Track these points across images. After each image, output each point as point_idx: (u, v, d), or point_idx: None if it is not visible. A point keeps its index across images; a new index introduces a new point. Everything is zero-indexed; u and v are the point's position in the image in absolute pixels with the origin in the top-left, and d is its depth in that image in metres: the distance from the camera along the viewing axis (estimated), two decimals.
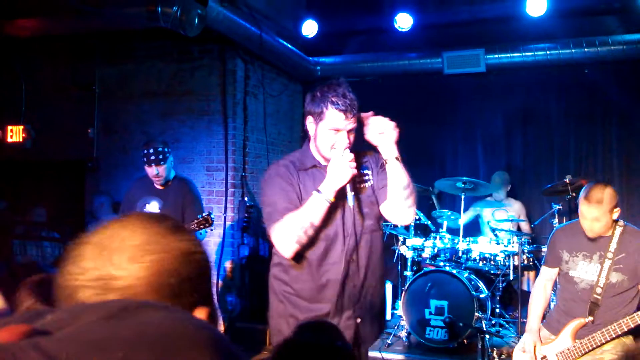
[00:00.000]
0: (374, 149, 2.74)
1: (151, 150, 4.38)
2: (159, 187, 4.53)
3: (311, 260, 2.64)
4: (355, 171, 2.54)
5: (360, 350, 2.77)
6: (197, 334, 0.67)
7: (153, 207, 4.50)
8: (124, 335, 0.63)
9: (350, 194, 2.55)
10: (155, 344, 0.62)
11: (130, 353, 0.60)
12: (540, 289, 3.62)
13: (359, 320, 2.71)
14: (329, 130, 2.60)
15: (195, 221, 4.20)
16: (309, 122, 2.68)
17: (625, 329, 3.17)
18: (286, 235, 2.54)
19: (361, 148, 2.80)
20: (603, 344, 3.24)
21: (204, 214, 4.24)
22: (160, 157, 4.39)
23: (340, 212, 2.62)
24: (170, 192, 4.53)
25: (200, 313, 0.89)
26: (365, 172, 2.77)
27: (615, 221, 3.31)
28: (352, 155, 2.55)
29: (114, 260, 0.86)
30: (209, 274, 0.97)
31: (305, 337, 1.83)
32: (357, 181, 2.68)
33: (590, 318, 3.30)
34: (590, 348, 3.27)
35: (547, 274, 3.60)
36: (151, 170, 4.42)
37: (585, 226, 3.26)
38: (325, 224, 2.60)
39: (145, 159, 4.40)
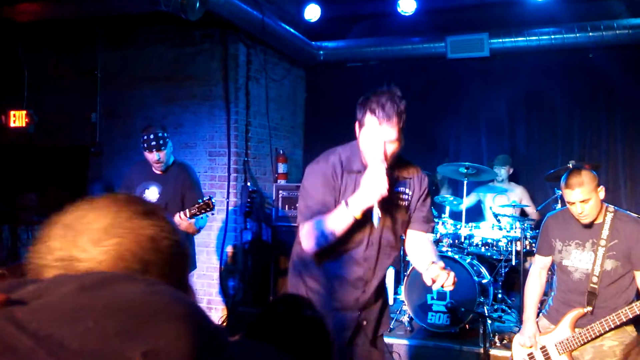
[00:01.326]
0: (419, 166, 2.80)
1: (151, 136, 4.32)
2: (158, 172, 4.50)
3: (333, 256, 2.66)
4: (386, 193, 2.42)
5: (359, 343, 2.84)
6: (170, 306, 0.66)
7: (152, 192, 4.46)
8: (95, 305, 0.63)
9: (376, 214, 2.44)
10: (126, 314, 0.63)
11: (100, 322, 0.61)
12: (535, 277, 3.62)
13: (365, 322, 2.78)
14: (368, 139, 2.52)
15: (196, 206, 4.19)
16: (357, 126, 2.59)
17: (624, 319, 3.16)
18: (310, 237, 2.57)
19: (406, 159, 2.78)
20: (602, 334, 3.24)
21: (205, 199, 4.22)
22: (161, 142, 4.34)
23: (370, 220, 2.53)
24: (170, 177, 4.49)
25: None
26: (405, 190, 2.73)
27: (606, 207, 3.31)
28: (385, 174, 2.43)
29: (78, 242, 0.86)
30: (181, 263, 0.96)
31: (275, 309, 1.85)
32: (392, 198, 2.62)
33: (589, 308, 3.29)
34: (590, 338, 3.27)
35: (541, 262, 3.59)
36: (152, 156, 4.37)
37: (576, 211, 3.23)
38: (354, 229, 2.57)
39: (145, 145, 4.34)
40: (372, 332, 2.83)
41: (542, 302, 3.71)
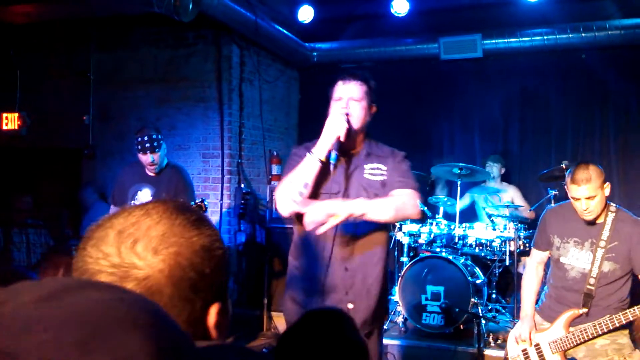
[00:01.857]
0: (395, 148, 2.90)
1: (145, 138, 4.29)
2: (151, 174, 4.47)
3: (308, 236, 2.76)
4: (343, 134, 2.64)
5: None
6: (133, 314, 0.63)
7: (145, 194, 4.43)
8: (54, 315, 0.59)
9: (334, 153, 2.66)
10: (85, 323, 0.59)
11: (58, 333, 0.57)
12: (532, 272, 3.56)
13: (350, 305, 2.74)
14: (334, 102, 2.79)
15: None
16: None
17: (617, 325, 3.13)
18: (282, 193, 2.70)
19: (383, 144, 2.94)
20: (596, 337, 3.22)
21: (197, 201, 4.20)
22: (155, 144, 4.31)
23: (340, 194, 2.71)
24: (163, 179, 4.47)
25: (213, 308, 0.90)
26: (380, 166, 2.81)
27: (609, 205, 3.25)
28: (344, 120, 2.67)
29: (137, 249, 0.86)
30: (228, 270, 0.98)
31: (309, 326, 1.76)
32: (365, 172, 2.79)
33: (585, 310, 3.25)
34: (583, 340, 3.23)
35: (538, 256, 3.53)
36: (146, 158, 4.34)
37: (580, 208, 3.16)
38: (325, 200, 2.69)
39: (139, 147, 4.32)
40: (360, 322, 2.76)
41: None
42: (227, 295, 0.96)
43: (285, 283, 2.95)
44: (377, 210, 2.61)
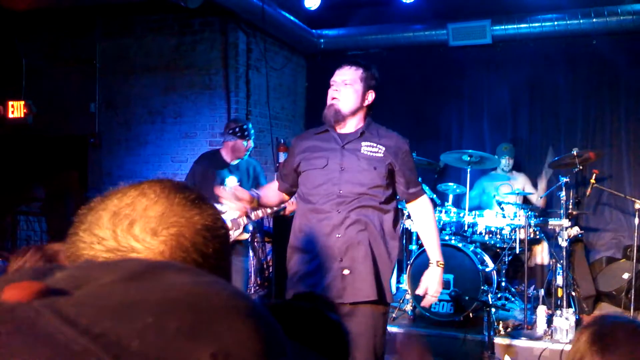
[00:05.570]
0: (397, 133, 3.00)
1: (245, 127, 4.61)
2: (234, 162, 4.68)
3: (307, 203, 2.89)
4: (246, 195, 2.93)
5: (348, 306, 2.79)
6: (233, 302, 0.58)
7: (232, 181, 4.59)
8: (152, 298, 0.54)
9: (250, 226, 3.06)
10: (188, 310, 0.54)
11: (160, 319, 0.52)
12: None
13: (346, 272, 2.77)
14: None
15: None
16: None
17: None
18: None
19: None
20: None
21: None
22: (250, 132, 4.64)
23: (334, 169, 2.81)
24: (243, 167, 4.72)
25: None
26: (378, 145, 2.87)
27: None
28: (336, 103, 2.85)
29: (134, 232, 0.80)
30: (230, 250, 0.92)
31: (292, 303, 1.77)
32: (358, 147, 2.86)
33: None
34: None
35: None
36: (242, 144, 4.61)
37: None
38: (320, 177, 2.83)
39: (240, 134, 4.59)
40: (355, 290, 2.77)
41: None
42: (230, 278, 0.90)
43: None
44: (436, 238, 2.99)
